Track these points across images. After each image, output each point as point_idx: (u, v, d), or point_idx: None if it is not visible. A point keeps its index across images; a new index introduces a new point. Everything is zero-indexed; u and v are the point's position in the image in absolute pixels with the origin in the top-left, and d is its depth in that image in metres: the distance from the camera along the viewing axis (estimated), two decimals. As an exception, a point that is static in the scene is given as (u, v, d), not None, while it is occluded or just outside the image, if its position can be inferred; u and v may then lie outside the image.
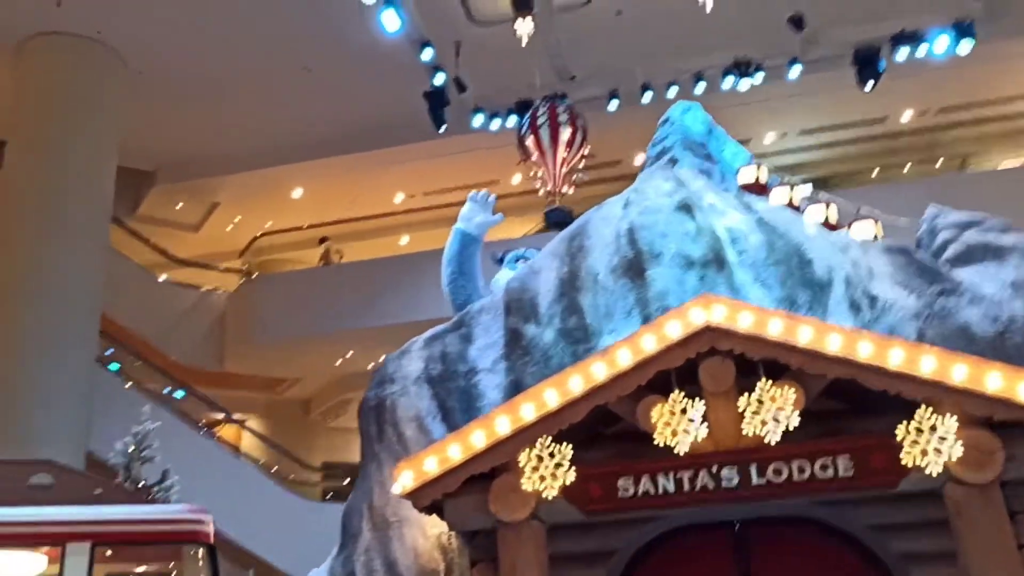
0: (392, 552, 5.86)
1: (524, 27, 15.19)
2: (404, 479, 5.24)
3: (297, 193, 21.36)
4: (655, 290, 5.82)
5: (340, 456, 21.90)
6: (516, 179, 21.39)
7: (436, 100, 16.11)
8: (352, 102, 18.19)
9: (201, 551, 3.89)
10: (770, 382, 4.88)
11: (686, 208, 6.06)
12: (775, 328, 4.88)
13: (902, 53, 15.13)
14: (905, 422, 4.70)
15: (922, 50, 15.05)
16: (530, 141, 13.85)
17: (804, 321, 4.91)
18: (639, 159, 20.97)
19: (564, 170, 13.77)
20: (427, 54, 15.44)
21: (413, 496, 5.25)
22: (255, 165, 19.82)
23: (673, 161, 8.28)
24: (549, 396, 5.13)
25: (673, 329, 5.04)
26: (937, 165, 19.41)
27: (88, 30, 15.42)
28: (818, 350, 4.78)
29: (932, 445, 4.59)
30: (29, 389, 13.76)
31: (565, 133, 13.75)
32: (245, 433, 20.90)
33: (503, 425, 5.15)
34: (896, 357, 4.66)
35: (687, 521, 5.55)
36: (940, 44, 14.92)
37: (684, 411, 4.97)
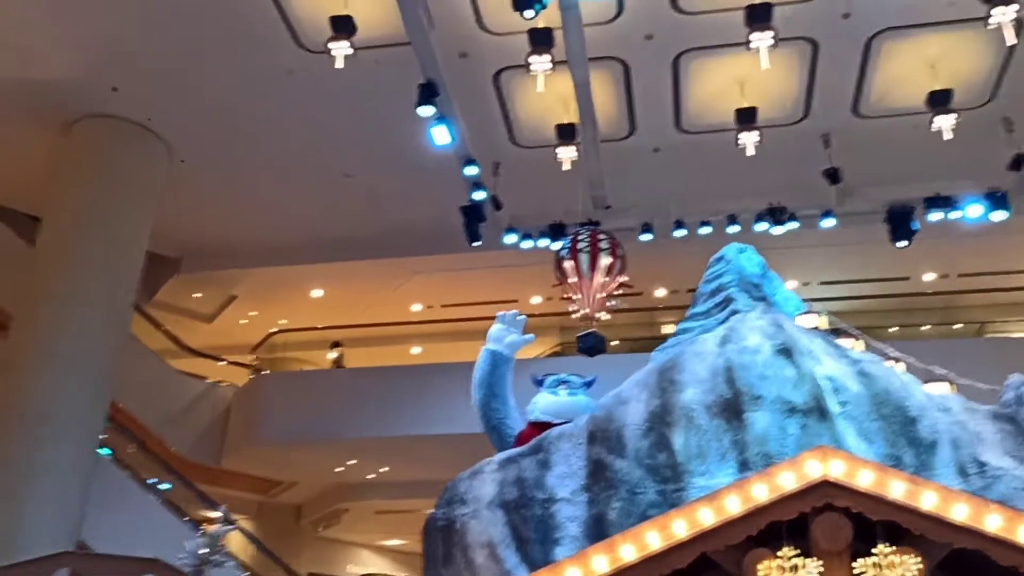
0: None
1: (566, 153, 15.54)
2: (495, 612, 4.95)
3: (317, 293, 21.32)
4: (753, 434, 5.67)
5: (326, 568, 21.12)
6: (536, 299, 21.48)
7: (473, 215, 16.29)
8: (385, 208, 18.39)
9: None
10: (889, 547, 4.68)
11: (786, 352, 5.98)
12: (897, 489, 4.71)
13: (935, 215, 15.45)
14: (1035, 603, 4.49)
15: (955, 215, 15.38)
16: (569, 264, 13.91)
17: (928, 485, 4.75)
18: (660, 291, 21.14)
19: (601, 295, 13.79)
20: (471, 170, 15.67)
21: (501, 633, 4.94)
22: (279, 261, 19.86)
23: (729, 300, 8.27)
24: (651, 538, 4.90)
25: (787, 480, 4.86)
26: (956, 327, 19.58)
27: (139, 116, 15.64)
28: (943, 516, 4.60)
29: (1070, 631, 4.38)
30: (26, 464, 13.29)
31: (605, 260, 13.84)
32: (233, 535, 20.15)
33: (600, 564, 4.90)
34: (1028, 532, 4.50)
35: None
36: (973, 211, 15.26)
37: (795, 569, 4.75)
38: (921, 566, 4.62)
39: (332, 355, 21.89)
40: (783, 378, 5.83)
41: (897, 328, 19.65)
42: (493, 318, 8.83)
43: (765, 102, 14.94)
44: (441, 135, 14.76)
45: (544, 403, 8.45)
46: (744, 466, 5.59)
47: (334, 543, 22.97)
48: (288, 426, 19.48)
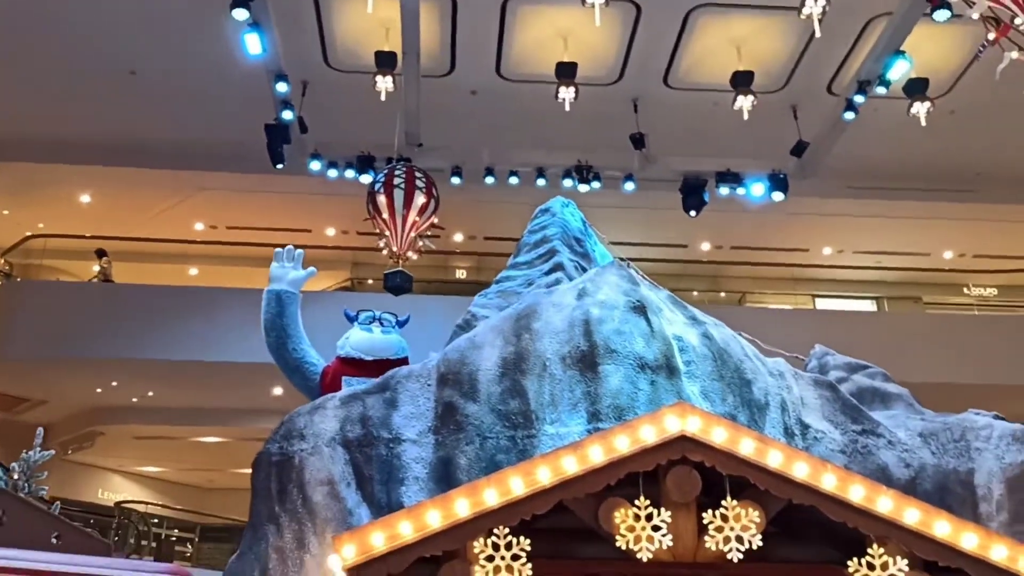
0: (288, 630, 5.27)
1: (384, 83, 15.09)
2: (346, 552, 4.75)
3: (85, 198, 19.47)
4: (606, 387, 5.80)
5: (73, 493, 19.63)
6: (330, 231, 20.86)
7: (278, 136, 15.48)
8: (176, 115, 17.06)
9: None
10: (734, 501, 4.98)
11: (641, 309, 6.14)
12: (747, 447, 5.00)
13: (724, 190, 16.54)
14: (856, 557, 4.94)
15: (741, 191, 16.54)
16: (382, 200, 13.59)
17: (774, 444, 5.07)
18: (458, 236, 21.18)
19: (412, 235, 13.61)
20: (282, 87, 14.83)
21: (355, 572, 4.77)
22: (44, 157, 17.93)
23: (552, 252, 8.46)
24: (515, 483, 4.90)
25: (648, 433, 5.02)
26: (721, 295, 21.17)
27: None
28: (786, 474, 4.95)
29: (882, 582, 4.86)
30: None
31: (420, 199, 13.65)
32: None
33: (462, 507, 4.84)
34: (857, 492, 4.92)
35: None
36: (756, 189, 16.47)
37: (649, 518, 4.94)
38: (760, 518, 4.95)
39: (97, 267, 20.15)
40: (638, 334, 6.00)
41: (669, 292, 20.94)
42: (282, 246, 8.53)
43: (585, 59, 15.22)
44: (253, 44, 13.84)
45: (357, 339, 8.25)
46: (595, 417, 5.73)
47: (85, 467, 21.43)
48: (42, 341, 17.80)
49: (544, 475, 4.93)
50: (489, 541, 4.87)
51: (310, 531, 5.57)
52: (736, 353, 6.19)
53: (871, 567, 4.91)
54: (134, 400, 19.53)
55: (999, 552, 4.87)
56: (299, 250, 8.47)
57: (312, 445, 5.86)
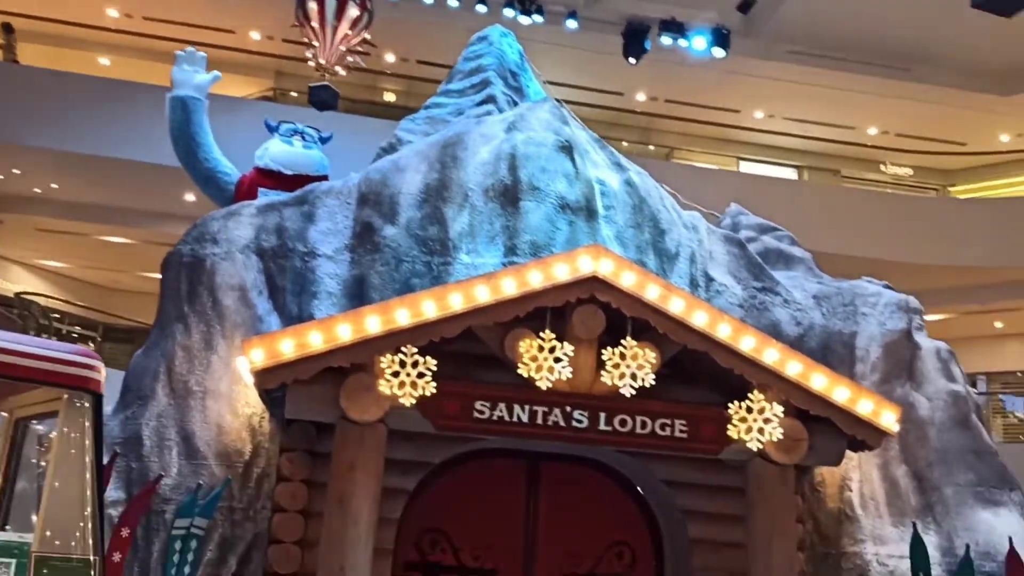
0: (191, 423, 5.40)
1: None
2: (254, 356, 4.86)
3: (-11, -34, 17.98)
4: (526, 223, 5.89)
5: (-36, 282, 19.13)
6: (255, 35, 19.92)
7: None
8: None
9: (87, 399, 3.33)
10: (634, 341, 5.22)
11: (568, 150, 6.16)
12: (652, 292, 5.20)
13: (666, 39, 16.30)
14: (738, 400, 5.29)
15: (683, 43, 16.34)
16: (313, 7, 12.96)
17: (678, 292, 5.29)
18: (390, 56, 20.48)
19: (341, 48, 13.11)
20: None
21: (262, 376, 4.89)
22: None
23: (486, 83, 8.32)
24: (427, 306, 5.03)
25: (561, 271, 5.17)
26: (650, 148, 21.24)
27: None
28: (686, 321, 5.19)
29: (757, 425, 5.23)
30: None
31: (352, 11, 13.06)
32: None
33: (373, 324, 4.96)
34: (748, 342, 5.22)
35: (495, 446, 5.82)
36: (698, 43, 16.29)
37: (552, 350, 5.15)
38: (656, 359, 5.22)
39: (2, 41, 18.88)
40: (562, 174, 6.05)
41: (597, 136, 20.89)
42: (199, 45, 8.18)
43: None
44: None
45: (277, 151, 8.08)
46: (511, 251, 5.83)
47: (-23, 255, 20.82)
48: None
49: (456, 301, 5.07)
50: (397, 358, 5.03)
51: (218, 333, 5.64)
52: (654, 202, 6.32)
53: (749, 410, 5.27)
54: (37, 191, 18.81)
55: (865, 406, 5.29)
56: (201, 52, 8.08)
57: (225, 250, 5.84)
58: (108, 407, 5.74)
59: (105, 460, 4.46)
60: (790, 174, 21.57)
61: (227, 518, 5.22)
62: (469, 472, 5.94)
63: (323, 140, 8.40)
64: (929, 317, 7.10)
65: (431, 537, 5.90)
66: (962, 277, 17.52)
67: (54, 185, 19.14)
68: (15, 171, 18.41)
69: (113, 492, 5.10)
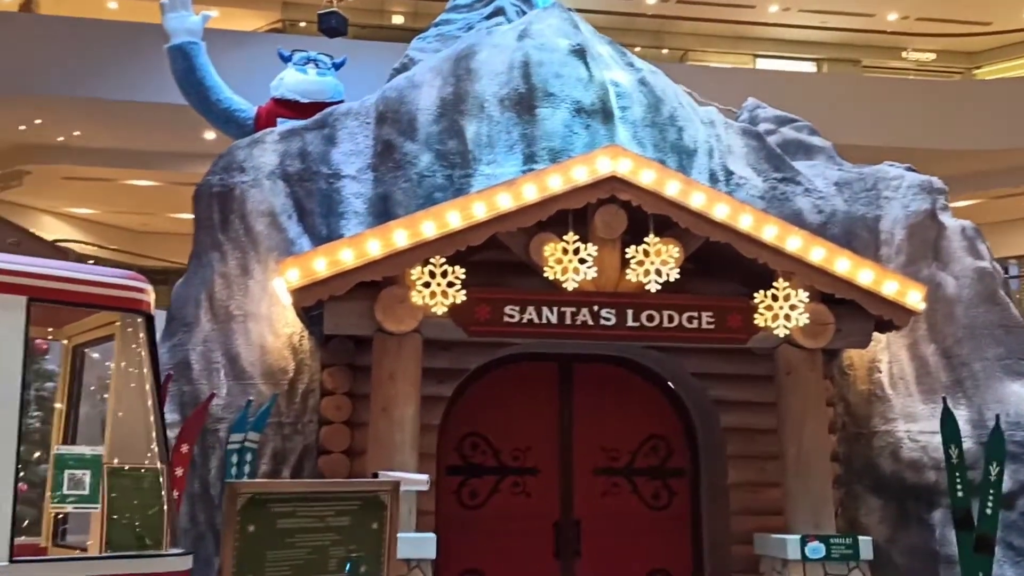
0: (235, 346, 5.61)
1: None
2: (290, 276, 5.03)
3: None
4: (543, 129, 5.94)
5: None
6: (258, -34, 19.69)
7: None
8: None
9: (140, 321, 3.51)
10: (656, 238, 5.32)
11: (580, 53, 6.16)
12: (672, 188, 5.28)
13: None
14: (763, 290, 5.40)
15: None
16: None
17: (698, 186, 5.36)
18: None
19: (347, -27, 12.98)
20: None
21: (299, 294, 5.06)
22: None
23: (493, -8, 8.22)
24: (452, 217, 5.14)
25: (580, 173, 5.24)
26: (663, 51, 20.90)
27: None
28: (707, 214, 5.27)
29: (783, 312, 5.35)
30: None
31: (356, -67, 12.90)
32: None
33: (401, 238, 5.10)
34: (770, 231, 5.30)
35: (527, 351, 6.00)
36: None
37: (576, 252, 5.26)
38: (679, 254, 5.33)
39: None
40: (576, 78, 6.07)
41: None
42: None
43: None
44: None
45: (292, 80, 8.12)
46: (530, 159, 5.91)
47: (14, 207, 21.14)
48: (-42, 73, 16.93)
49: (480, 210, 5.18)
50: (426, 269, 5.18)
51: (253, 259, 5.81)
52: (670, 100, 6.33)
53: (775, 298, 5.38)
54: (60, 139, 19.01)
55: (890, 287, 5.37)
56: None
57: (252, 178, 5.97)
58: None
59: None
60: (808, 67, 21.14)
61: (277, 432, 5.48)
62: (504, 377, 6.14)
63: (336, 66, 8.41)
64: (959, 203, 7.09)
65: (471, 441, 6.13)
66: (991, 160, 17.27)
67: (76, 133, 19.32)
68: (37, 121, 18.59)
69: (168, 415, 5.34)
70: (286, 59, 8.40)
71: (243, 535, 2.65)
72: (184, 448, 4.70)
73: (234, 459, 4.97)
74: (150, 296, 3.57)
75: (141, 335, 3.51)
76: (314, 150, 6.09)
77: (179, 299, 5.83)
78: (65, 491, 3.32)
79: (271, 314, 5.68)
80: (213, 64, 8.14)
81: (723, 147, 6.35)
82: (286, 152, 6.07)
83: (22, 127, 18.70)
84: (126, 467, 3.33)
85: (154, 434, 3.45)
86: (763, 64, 20.72)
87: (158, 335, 5.89)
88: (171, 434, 5.13)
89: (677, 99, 6.40)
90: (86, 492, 3.34)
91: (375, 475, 3.17)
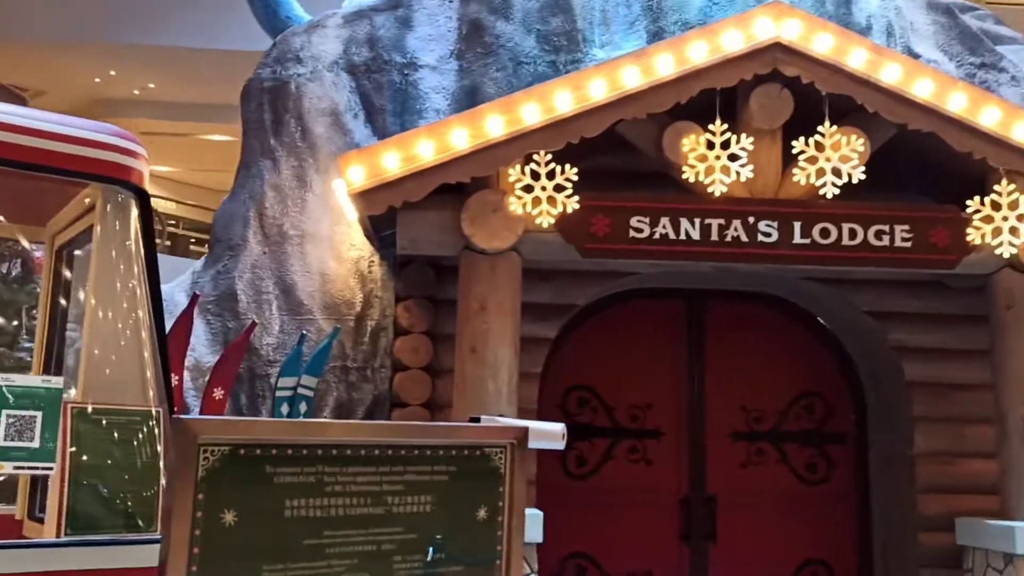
0: (290, 273, 4.54)
1: None
2: (352, 175, 3.89)
3: None
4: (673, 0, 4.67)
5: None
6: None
7: None
8: None
9: (128, 197, 2.41)
10: (833, 127, 4.00)
11: (719, -96, 4.85)
12: (858, 58, 3.95)
13: None
14: (979, 196, 4.04)
15: None
16: None
17: (893, 56, 4.02)
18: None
19: None
20: None
21: (364, 199, 3.93)
22: None
23: None
24: (561, 99, 3.92)
25: (732, 40, 3.96)
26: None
27: None
28: (905, 93, 3.93)
29: (1009, 224, 3.98)
30: None
31: None
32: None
33: (495, 126, 3.90)
34: (991, 115, 3.93)
35: (649, 285, 4.78)
36: None
37: (725, 146, 3.99)
38: (864, 148, 4.00)
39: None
40: (715, -66, 4.76)
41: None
42: None
43: None
44: None
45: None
46: (656, 37, 4.65)
47: (93, 164, 20.85)
48: (40, 22, 16.44)
49: (598, 88, 3.94)
50: (528, 168, 3.97)
51: (311, 167, 4.71)
52: (836, -34, 4.97)
53: (996, 206, 4.01)
54: (135, 92, 18.45)
55: None
56: None
57: (311, 69, 4.85)
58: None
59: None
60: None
61: (341, 379, 4.38)
62: (619, 317, 4.94)
63: None
64: None
65: (578, 395, 4.97)
66: None
67: (151, 85, 18.75)
68: (111, 72, 18.04)
69: (210, 357, 4.32)
70: None
71: (207, 531, 1.37)
72: (218, 393, 3.63)
73: (284, 409, 3.88)
74: (143, 163, 2.47)
75: (130, 218, 2.41)
76: (385, 35, 4.93)
77: (223, 217, 4.78)
78: (2, 442, 2.20)
79: (333, 235, 4.58)
80: None
81: (905, 23, 4.96)
82: (351, 38, 4.93)
83: (97, 79, 18.18)
84: (101, 408, 2.24)
85: (148, 361, 2.36)
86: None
87: (199, 264, 4.88)
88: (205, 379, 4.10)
89: (843, -36, 5.04)
90: (34, 444, 2.21)
91: (475, 419, 1.92)
